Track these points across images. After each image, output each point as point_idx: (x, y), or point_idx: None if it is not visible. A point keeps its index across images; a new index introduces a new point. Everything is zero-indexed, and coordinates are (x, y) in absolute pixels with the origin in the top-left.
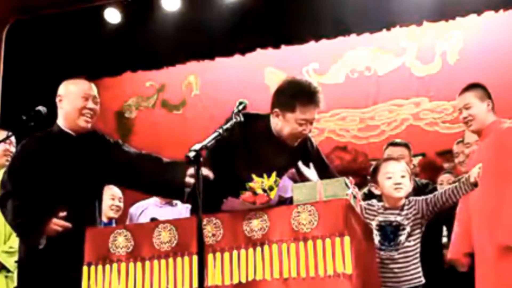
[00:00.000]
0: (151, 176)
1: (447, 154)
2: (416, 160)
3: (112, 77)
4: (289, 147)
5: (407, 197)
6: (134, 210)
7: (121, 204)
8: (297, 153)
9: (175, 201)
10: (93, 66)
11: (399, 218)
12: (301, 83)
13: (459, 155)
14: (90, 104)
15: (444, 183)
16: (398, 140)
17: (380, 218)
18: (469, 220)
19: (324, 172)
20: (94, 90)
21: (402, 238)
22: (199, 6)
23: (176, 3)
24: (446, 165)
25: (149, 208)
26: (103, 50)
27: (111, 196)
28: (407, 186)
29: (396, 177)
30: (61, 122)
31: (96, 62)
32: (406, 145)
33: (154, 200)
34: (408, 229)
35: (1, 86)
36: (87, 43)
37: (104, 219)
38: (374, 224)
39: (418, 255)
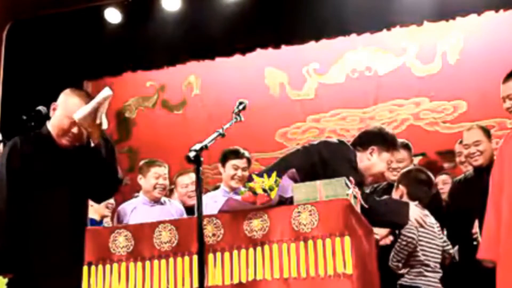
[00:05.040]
0: None
1: (448, 154)
2: (416, 160)
3: (112, 77)
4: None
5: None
6: (122, 209)
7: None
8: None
9: (163, 199)
10: (93, 66)
11: None
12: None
13: (461, 154)
14: (75, 129)
15: (440, 183)
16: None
17: None
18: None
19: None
20: None
21: None
22: (199, 6)
23: (176, 3)
24: (446, 165)
25: (138, 207)
26: (103, 50)
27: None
28: None
29: None
30: (50, 127)
31: (96, 62)
32: (407, 146)
33: (143, 199)
34: None
35: (1, 86)
36: (87, 43)
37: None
38: None
39: None
